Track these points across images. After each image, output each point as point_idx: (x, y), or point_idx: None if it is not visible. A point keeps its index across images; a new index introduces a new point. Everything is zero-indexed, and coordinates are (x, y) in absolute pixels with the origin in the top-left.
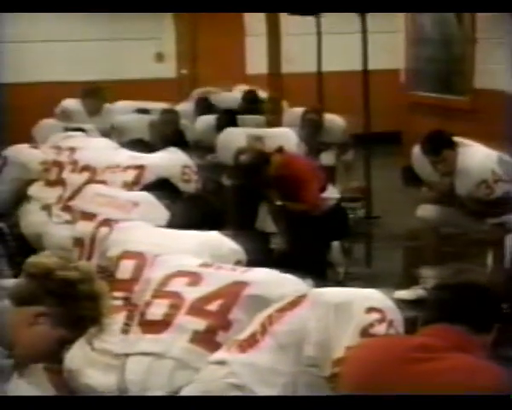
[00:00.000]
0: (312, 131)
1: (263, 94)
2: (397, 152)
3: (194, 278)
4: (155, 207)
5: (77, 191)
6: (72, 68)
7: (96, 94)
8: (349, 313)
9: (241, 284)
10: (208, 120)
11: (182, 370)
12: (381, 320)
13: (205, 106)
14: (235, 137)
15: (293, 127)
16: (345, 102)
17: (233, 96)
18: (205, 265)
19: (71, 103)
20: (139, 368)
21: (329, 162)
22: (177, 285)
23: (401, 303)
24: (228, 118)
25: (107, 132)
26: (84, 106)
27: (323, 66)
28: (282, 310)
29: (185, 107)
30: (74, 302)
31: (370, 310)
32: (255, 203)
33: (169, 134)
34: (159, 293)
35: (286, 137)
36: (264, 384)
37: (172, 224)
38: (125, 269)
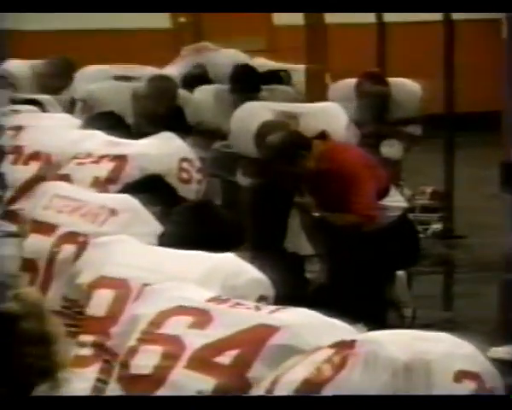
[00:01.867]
0: (375, 106)
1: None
2: (492, 142)
3: (201, 318)
4: (141, 217)
5: (22, 190)
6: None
7: (56, 67)
8: (428, 379)
9: (268, 329)
10: (213, 91)
11: None
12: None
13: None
14: (256, 115)
15: (343, 102)
16: (415, 66)
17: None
18: (217, 300)
19: (18, 66)
20: None
21: (393, 154)
22: (176, 327)
23: (498, 365)
24: (249, 85)
25: (71, 107)
26: (38, 76)
27: (386, 14)
28: (322, 373)
29: (173, 70)
30: (14, 347)
31: (461, 376)
32: (285, 213)
33: (162, 112)
34: (149, 336)
35: (331, 115)
36: None
37: (166, 242)
38: (100, 302)
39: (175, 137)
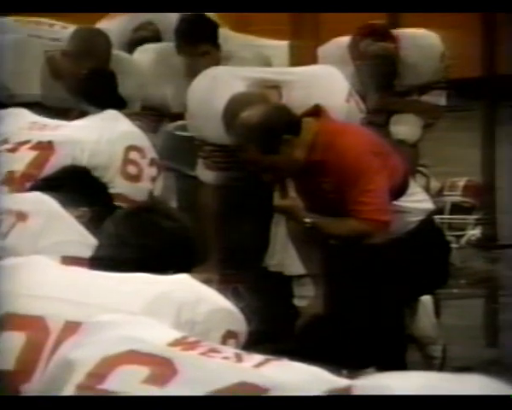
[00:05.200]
0: (379, 71)
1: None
2: None
3: (161, 369)
4: (59, 223)
5: None
6: None
7: None
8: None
9: (253, 390)
10: (160, 51)
11: None
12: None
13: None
14: (224, 85)
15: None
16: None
17: None
18: (183, 343)
19: None
20: None
21: (408, 135)
22: (125, 381)
23: None
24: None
25: None
26: None
27: None
28: None
29: (108, 27)
30: None
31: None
32: (265, 219)
33: (83, 76)
34: (88, 394)
35: (326, 83)
36: None
37: (97, 263)
38: (7, 350)
39: (119, 115)
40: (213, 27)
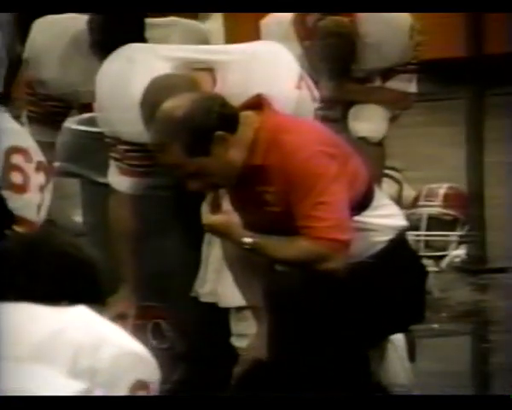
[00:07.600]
0: (332, 53)
1: None
2: None
3: None
4: None
5: None
6: None
7: None
8: None
9: None
10: (60, 22)
11: None
12: None
13: None
14: (142, 67)
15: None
16: None
17: None
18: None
19: None
20: None
21: (371, 132)
22: None
23: None
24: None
25: None
26: None
27: None
28: None
29: None
30: None
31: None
32: (194, 238)
33: None
34: None
35: (270, 64)
36: None
37: None
38: None
39: None
40: (137, 27)
